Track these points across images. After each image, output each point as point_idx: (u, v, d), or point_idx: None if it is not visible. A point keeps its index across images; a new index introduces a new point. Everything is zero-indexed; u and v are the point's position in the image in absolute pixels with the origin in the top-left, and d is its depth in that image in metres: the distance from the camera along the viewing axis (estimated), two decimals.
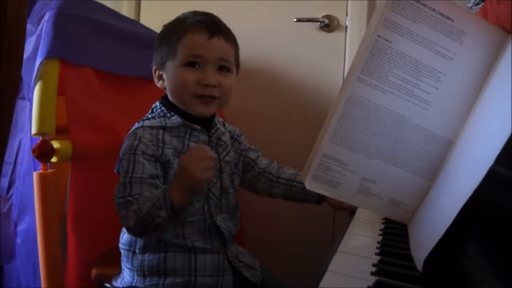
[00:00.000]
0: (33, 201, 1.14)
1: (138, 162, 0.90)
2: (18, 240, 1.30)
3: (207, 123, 1.00)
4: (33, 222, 1.17)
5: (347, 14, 1.76)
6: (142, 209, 0.85)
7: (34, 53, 1.18)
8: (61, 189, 1.23)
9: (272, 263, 1.53)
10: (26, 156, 1.28)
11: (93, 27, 1.28)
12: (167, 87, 0.98)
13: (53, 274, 1.14)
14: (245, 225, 1.83)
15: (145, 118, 1.00)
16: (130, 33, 1.41)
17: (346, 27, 1.77)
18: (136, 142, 0.91)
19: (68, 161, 1.18)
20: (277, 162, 1.16)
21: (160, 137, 0.94)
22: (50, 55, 1.14)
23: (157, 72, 1.00)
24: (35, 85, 1.14)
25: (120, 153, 0.94)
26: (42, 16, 1.20)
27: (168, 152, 0.93)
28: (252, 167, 1.11)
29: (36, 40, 1.20)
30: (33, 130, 1.12)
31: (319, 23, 1.78)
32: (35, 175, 1.13)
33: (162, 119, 0.97)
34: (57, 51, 1.15)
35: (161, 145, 0.93)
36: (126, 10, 1.95)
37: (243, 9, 1.88)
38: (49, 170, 1.15)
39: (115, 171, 0.96)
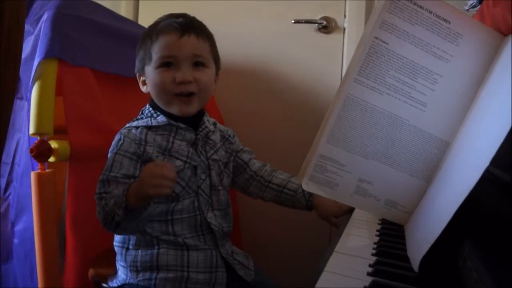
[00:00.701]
0: (31, 201, 1.14)
1: (117, 161, 0.94)
2: (16, 240, 1.30)
3: (194, 121, 1.02)
4: (30, 222, 1.17)
5: (345, 15, 1.77)
6: (108, 205, 0.89)
7: (32, 53, 1.18)
8: (59, 189, 1.23)
9: (270, 264, 1.53)
10: (24, 156, 1.28)
11: (91, 28, 1.28)
12: (150, 91, 1.01)
13: (50, 274, 1.14)
14: (244, 226, 1.83)
15: (134, 119, 1.03)
16: (128, 33, 1.42)
17: (344, 29, 1.77)
18: (121, 142, 0.96)
19: (66, 161, 1.18)
20: (270, 165, 1.16)
21: (143, 136, 0.97)
22: (48, 55, 1.14)
23: (140, 78, 1.04)
24: (33, 85, 1.14)
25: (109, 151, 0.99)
26: (41, 17, 1.20)
27: (150, 149, 0.96)
28: (244, 170, 1.12)
29: (35, 40, 1.20)
30: (31, 130, 1.12)
31: (317, 24, 1.78)
32: (32, 175, 1.13)
33: (149, 119, 1.00)
34: (55, 51, 1.15)
35: (143, 143, 0.96)
36: (124, 10, 1.95)
37: (241, 10, 1.88)
38: (47, 170, 1.15)
39: None
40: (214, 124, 1.10)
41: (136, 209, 0.86)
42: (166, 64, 0.96)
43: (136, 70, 1.04)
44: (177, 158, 0.96)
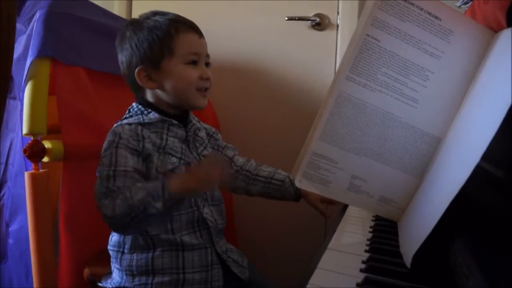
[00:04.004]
0: (25, 201, 1.14)
1: (121, 155, 0.90)
2: (10, 241, 1.29)
3: (183, 119, 1.03)
4: (25, 222, 1.17)
5: (338, 12, 1.77)
6: (134, 197, 0.83)
7: (25, 53, 1.18)
8: (53, 189, 1.23)
9: (265, 261, 1.54)
10: (17, 156, 1.27)
11: (84, 26, 1.28)
12: (166, 85, 0.98)
13: (45, 274, 1.14)
14: (239, 224, 1.84)
15: (123, 118, 1.01)
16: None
17: (337, 26, 1.78)
18: (117, 138, 0.92)
19: (60, 161, 1.18)
20: (254, 160, 1.17)
21: (139, 132, 0.94)
22: (41, 55, 1.14)
23: (142, 73, 0.98)
24: (26, 84, 1.13)
25: (101, 152, 0.93)
26: (33, 16, 1.19)
27: (149, 146, 0.94)
28: (229, 165, 1.13)
29: (27, 40, 1.19)
30: (24, 130, 1.12)
31: (310, 21, 1.79)
32: (26, 175, 1.13)
33: (140, 116, 0.99)
34: (48, 50, 1.15)
35: (141, 139, 0.94)
36: (117, 10, 1.95)
37: (234, 7, 1.88)
38: (41, 170, 1.15)
39: (97, 173, 0.92)
40: (199, 121, 1.11)
41: (177, 201, 0.84)
42: (193, 61, 0.99)
43: (139, 62, 0.98)
44: (172, 155, 0.96)
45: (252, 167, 1.14)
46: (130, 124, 0.95)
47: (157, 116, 0.98)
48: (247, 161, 1.16)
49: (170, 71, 0.97)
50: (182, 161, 0.97)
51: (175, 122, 0.99)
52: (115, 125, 0.98)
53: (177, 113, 1.01)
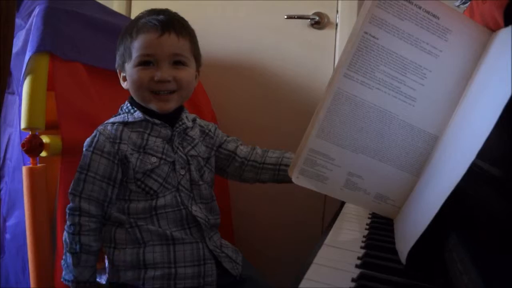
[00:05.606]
0: (23, 196, 1.13)
1: (94, 161, 0.96)
2: (7, 236, 1.29)
3: (172, 118, 1.03)
4: (22, 217, 1.17)
5: (337, 11, 1.77)
6: (76, 234, 0.96)
7: (24, 48, 1.18)
8: (51, 184, 1.23)
9: (262, 259, 1.54)
10: (15, 151, 1.27)
11: (83, 22, 1.28)
12: (129, 88, 1.02)
13: (42, 269, 1.14)
14: (236, 221, 1.84)
15: (113, 116, 1.04)
16: (120, 28, 1.41)
17: (336, 25, 1.78)
18: (95, 139, 0.97)
19: (58, 156, 1.18)
20: (259, 147, 1.15)
21: (118, 133, 0.98)
22: (39, 50, 1.13)
23: (121, 74, 1.05)
24: (24, 79, 1.13)
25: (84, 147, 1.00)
26: (32, 11, 1.19)
27: (124, 147, 0.96)
28: (233, 158, 1.12)
29: (26, 35, 1.19)
30: (23, 125, 1.12)
31: (309, 20, 1.79)
32: (24, 170, 1.12)
33: (126, 115, 1.02)
34: (47, 45, 1.15)
35: (117, 141, 0.97)
36: (116, 9, 1.94)
37: (234, 6, 1.88)
38: (39, 165, 1.14)
39: None
40: (194, 120, 1.10)
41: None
42: (145, 62, 0.97)
43: (116, 65, 1.05)
44: (152, 155, 0.97)
45: (258, 156, 1.12)
46: (113, 123, 0.99)
47: (141, 116, 1.00)
48: (252, 150, 1.13)
49: (128, 73, 1.00)
50: (162, 161, 0.98)
51: (157, 121, 1.00)
52: (104, 122, 1.02)
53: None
